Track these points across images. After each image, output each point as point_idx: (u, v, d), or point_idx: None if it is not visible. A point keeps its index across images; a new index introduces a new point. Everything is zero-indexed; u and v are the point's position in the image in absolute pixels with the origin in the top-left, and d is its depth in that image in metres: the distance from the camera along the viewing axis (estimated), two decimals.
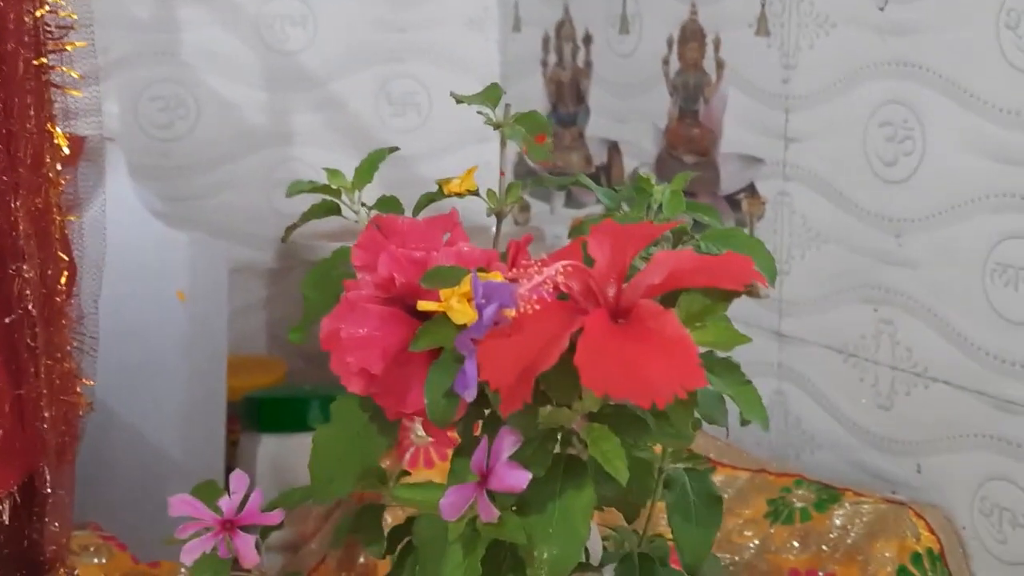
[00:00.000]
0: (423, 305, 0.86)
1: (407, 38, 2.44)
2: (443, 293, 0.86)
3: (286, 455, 1.99)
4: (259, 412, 2.05)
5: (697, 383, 0.78)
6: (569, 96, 2.26)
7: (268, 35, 2.35)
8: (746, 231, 1.79)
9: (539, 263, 0.82)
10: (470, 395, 0.84)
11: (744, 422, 0.89)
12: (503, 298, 0.81)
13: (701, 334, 0.82)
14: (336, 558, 1.73)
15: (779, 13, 1.75)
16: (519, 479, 0.85)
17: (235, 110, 2.34)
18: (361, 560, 1.71)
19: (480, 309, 0.82)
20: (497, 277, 0.84)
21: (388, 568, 1.69)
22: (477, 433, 0.94)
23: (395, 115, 2.45)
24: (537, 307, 0.81)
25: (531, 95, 2.32)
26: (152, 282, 1.85)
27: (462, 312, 0.84)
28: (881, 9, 1.59)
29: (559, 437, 0.89)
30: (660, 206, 1.01)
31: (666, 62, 1.99)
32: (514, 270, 0.84)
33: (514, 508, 0.87)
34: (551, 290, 0.83)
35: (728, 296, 0.83)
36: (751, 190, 1.84)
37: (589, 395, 0.84)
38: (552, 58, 2.30)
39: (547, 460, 0.86)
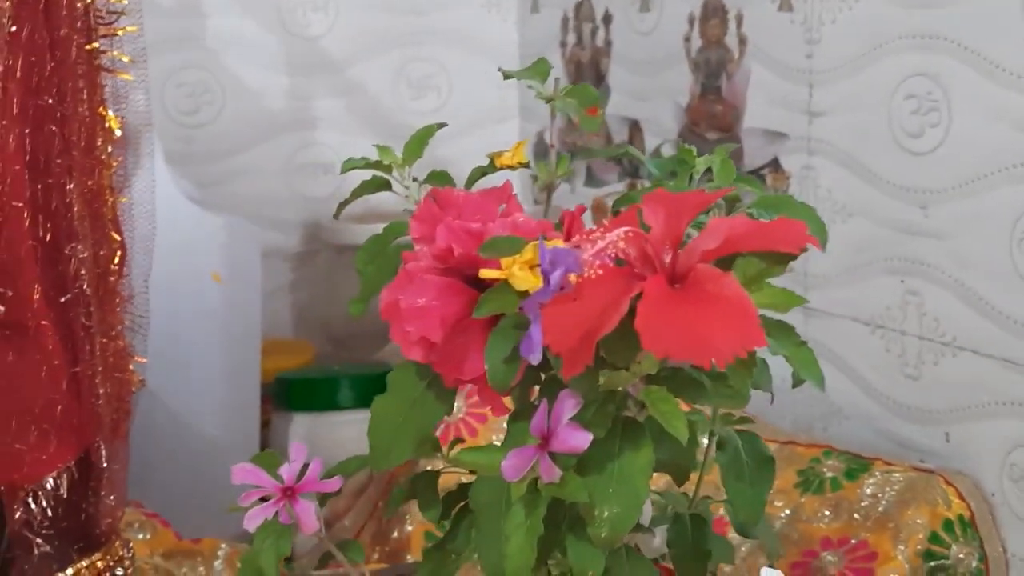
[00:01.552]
0: (487, 273, 0.88)
1: (425, 21, 2.46)
2: (504, 261, 0.89)
3: (317, 433, 2.01)
4: (290, 392, 2.08)
5: (758, 342, 0.80)
6: (589, 76, 2.27)
7: (290, 20, 2.37)
8: None
9: (601, 229, 0.84)
10: (536, 358, 0.86)
11: (797, 382, 0.91)
12: (568, 264, 0.83)
13: (758, 296, 0.83)
14: (370, 533, 1.76)
15: None
16: (581, 440, 0.87)
17: (258, 96, 2.36)
18: (395, 535, 1.73)
19: (547, 275, 0.84)
20: (559, 244, 0.87)
21: (421, 542, 1.71)
22: (534, 398, 0.96)
23: (414, 98, 2.47)
24: (599, 272, 0.83)
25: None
26: (188, 265, 1.87)
27: (524, 279, 0.86)
28: None
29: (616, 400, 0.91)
30: (703, 175, 1.04)
31: (687, 39, 2.01)
32: (576, 237, 0.86)
33: (573, 469, 0.90)
34: (611, 256, 0.85)
35: (784, 260, 0.84)
36: (775, 165, 1.85)
37: (647, 358, 0.86)
38: (571, 38, 2.32)
39: (607, 422, 0.88)
